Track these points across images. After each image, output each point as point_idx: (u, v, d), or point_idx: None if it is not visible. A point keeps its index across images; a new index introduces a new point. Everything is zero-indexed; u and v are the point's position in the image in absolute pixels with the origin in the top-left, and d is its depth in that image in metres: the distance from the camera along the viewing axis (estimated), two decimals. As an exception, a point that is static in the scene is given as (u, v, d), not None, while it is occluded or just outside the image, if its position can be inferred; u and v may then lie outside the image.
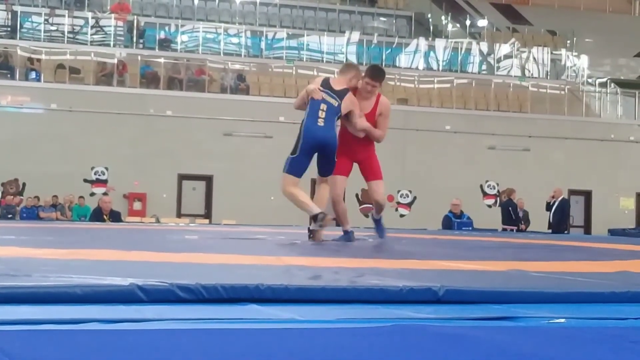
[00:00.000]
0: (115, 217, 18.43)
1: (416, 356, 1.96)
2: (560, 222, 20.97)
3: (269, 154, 25.26)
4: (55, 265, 3.82)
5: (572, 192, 27.78)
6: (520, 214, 21.72)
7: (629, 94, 30.45)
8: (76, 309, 2.62)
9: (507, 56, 30.34)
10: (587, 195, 28.51)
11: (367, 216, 16.05)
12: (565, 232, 21.38)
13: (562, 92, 29.31)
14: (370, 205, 8.67)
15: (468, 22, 32.63)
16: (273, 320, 2.58)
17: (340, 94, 7.90)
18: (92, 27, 27.24)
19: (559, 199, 21.03)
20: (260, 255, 5.59)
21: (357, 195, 23.29)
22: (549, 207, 21.14)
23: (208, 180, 25.58)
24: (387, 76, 30.45)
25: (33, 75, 25.69)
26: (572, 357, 2.00)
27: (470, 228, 19.87)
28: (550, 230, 20.51)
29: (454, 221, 20.20)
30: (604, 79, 31.27)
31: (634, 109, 30.10)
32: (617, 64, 34.66)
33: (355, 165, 8.24)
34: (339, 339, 2.20)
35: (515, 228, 21.07)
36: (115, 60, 26.30)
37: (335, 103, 7.83)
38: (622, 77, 33.46)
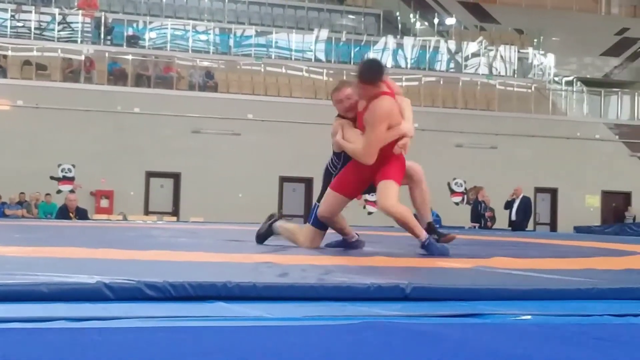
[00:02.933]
0: (81, 214, 18.31)
1: (384, 353, 1.97)
2: (523, 220, 21.13)
3: (237, 151, 25.25)
4: (21, 263, 3.79)
5: (539, 190, 27.98)
6: (487, 212, 21.84)
7: (595, 93, 30.70)
8: (42, 307, 2.61)
9: (475, 54, 30.48)
10: (553, 192, 28.72)
11: None
12: (527, 230, 21.54)
13: (529, 91, 29.49)
14: None
15: (436, 21, 32.74)
16: (241, 317, 2.58)
17: None
18: (59, 23, 27.04)
19: (520, 197, 21.18)
20: (229, 253, 5.59)
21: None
22: (508, 205, 21.30)
23: (176, 177, 25.49)
24: (355, 74, 30.19)
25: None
26: (538, 354, 2.02)
27: (438, 226, 19.93)
28: (510, 228, 20.64)
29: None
30: (571, 78, 31.51)
31: (599, 108, 30.36)
32: (583, 63, 34.92)
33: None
34: (306, 336, 2.20)
35: (478, 225, 21.19)
36: (82, 57, 26.11)
37: None
38: (588, 76, 33.73)
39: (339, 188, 6.42)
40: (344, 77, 28.42)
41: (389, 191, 6.47)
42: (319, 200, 6.55)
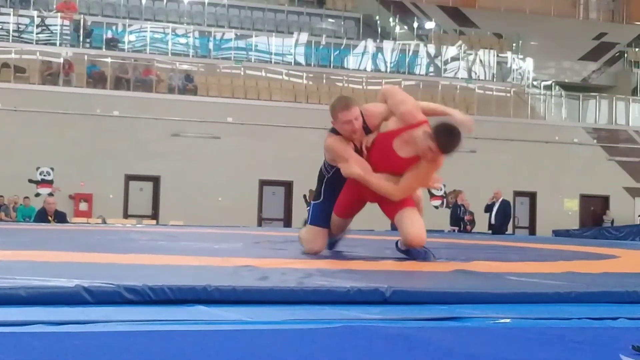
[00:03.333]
0: (60, 218, 18.21)
1: (363, 357, 1.97)
2: (502, 224, 21.20)
3: (217, 154, 25.20)
4: (-1, 267, 3.77)
5: (518, 194, 28.08)
6: (467, 215, 21.90)
7: (574, 97, 30.86)
8: (21, 310, 2.59)
9: (454, 58, 30.57)
10: (532, 196, 28.83)
11: None
12: (507, 233, 21.61)
13: (508, 95, 29.60)
14: None
15: (416, 25, 32.81)
16: (221, 321, 2.58)
17: None
18: (38, 25, 26.92)
19: (499, 200, 21.25)
20: (208, 257, 5.57)
21: (304, 196, 23.29)
22: (488, 208, 21.37)
23: (155, 181, 25.41)
24: (335, 77, 30.19)
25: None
26: (517, 357, 2.03)
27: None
28: (490, 232, 20.71)
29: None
30: (549, 82, 31.65)
31: (578, 112, 30.51)
32: (561, 67, 35.09)
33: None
34: (286, 340, 2.20)
35: (457, 229, 21.25)
36: (61, 60, 26.00)
37: None
38: (566, 80, 33.90)
39: (338, 211, 6.21)
40: (324, 81, 28.48)
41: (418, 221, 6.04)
42: (315, 199, 6.35)
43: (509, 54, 31.60)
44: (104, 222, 22.45)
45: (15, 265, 4.13)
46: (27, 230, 11.89)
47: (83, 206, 24.48)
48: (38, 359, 1.81)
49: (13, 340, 2.04)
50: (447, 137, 5.70)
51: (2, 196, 23.18)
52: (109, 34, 27.80)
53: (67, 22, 27.16)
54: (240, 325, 2.52)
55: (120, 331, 2.29)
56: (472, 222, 21.48)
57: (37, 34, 26.72)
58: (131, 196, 25.38)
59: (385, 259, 5.99)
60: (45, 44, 26.65)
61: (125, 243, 7.65)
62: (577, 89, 32.47)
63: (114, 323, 2.42)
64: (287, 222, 25.37)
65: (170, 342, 2.10)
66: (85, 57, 26.39)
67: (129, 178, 25.32)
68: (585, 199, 29.43)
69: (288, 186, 25.36)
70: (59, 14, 27.19)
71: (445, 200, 27.00)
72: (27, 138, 23.98)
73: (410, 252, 5.90)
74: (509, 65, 31.30)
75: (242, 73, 27.44)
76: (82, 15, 27.62)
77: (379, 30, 32.05)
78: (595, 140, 29.73)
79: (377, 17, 32.56)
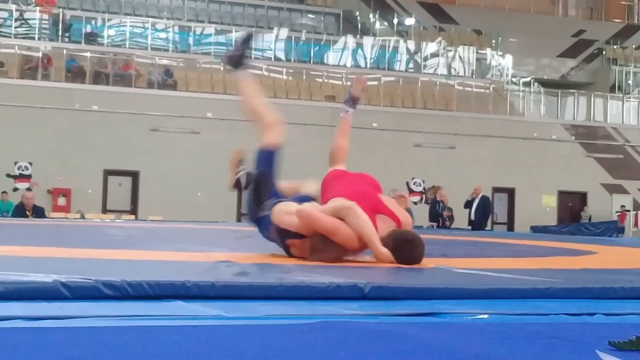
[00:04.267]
0: (38, 212, 18.13)
1: (342, 352, 1.98)
2: (482, 220, 21.27)
3: (197, 150, 25.15)
4: (-24, 262, 3.75)
5: (496, 190, 28.18)
6: (446, 211, 21.95)
7: (552, 94, 30.99)
8: (-2, 306, 2.59)
9: (434, 55, 30.62)
10: (511, 192, 28.95)
11: None
12: (486, 229, 21.69)
13: (487, 91, 29.70)
14: None
15: (395, 21, 32.85)
16: (199, 316, 2.58)
17: None
18: (17, 19, 26.74)
19: (479, 196, 21.31)
20: (187, 252, 5.57)
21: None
22: (468, 204, 21.42)
23: (134, 175, 25.33)
24: (315, 73, 30.22)
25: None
26: (495, 353, 2.04)
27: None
28: (470, 227, 20.78)
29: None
30: (528, 79, 31.77)
31: (556, 109, 30.64)
32: (540, 64, 35.21)
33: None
34: (265, 335, 2.21)
35: (436, 224, 21.29)
36: (40, 54, 25.86)
37: None
38: (545, 77, 34.03)
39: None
40: (304, 77, 28.47)
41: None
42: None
43: (488, 51, 31.69)
44: (83, 217, 22.35)
45: (-7, 260, 4.11)
46: (5, 225, 11.83)
47: (61, 201, 24.37)
48: (15, 354, 1.80)
49: (-10, 335, 2.03)
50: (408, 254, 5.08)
51: (-21, 191, 23.03)
52: (88, 29, 27.66)
53: (46, 16, 27.00)
54: (219, 320, 2.52)
55: (99, 326, 2.28)
56: (451, 218, 21.52)
57: (15, 27, 26.55)
58: (110, 191, 25.28)
59: (364, 254, 5.99)
60: (24, 37, 26.50)
61: (104, 238, 7.62)
62: (555, 85, 32.60)
63: (92, 318, 2.41)
64: (267, 217, 25.33)
65: (149, 337, 2.09)
66: (64, 51, 26.26)
67: (108, 173, 25.23)
68: (563, 195, 29.58)
69: (267, 182, 25.35)
70: (37, 8, 27.03)
71: (424, 196, 27.05)
72: (5, 132, 23.84)
73: None
74: (488, 61, 31.39)
75: (222, 68, 27.34)
76: (61, 10, 27.47)
77: (359, 26, 32.07)
78: (573, 137, 29.87)
79: (357, 13, 32.57)
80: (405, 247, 4.99)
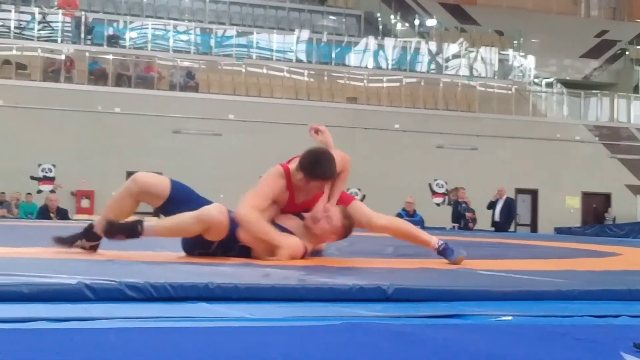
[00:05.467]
0: (62, 214, 18.24)
1: (365, 354, 1.97)
2: (506, 221, 21.19)
3: (218, 151, 25.22)
4: (1, 264, 3.77)
5: (519, 191, 28.08)
6: (468, 212, 21.90)
7: (575, 94, 30.85)
8: (23, 307, 2.59)
9: (456, 56, 30.56)
10: (534, 194, 28.83)
11: None
12: (509, 230, 21.60)
13: (509, 92, 29.60)
14: None
15: (417, 22, 32.82)
16: (223, 318, 2.58)
17: None
18: (39, 22, 26.93)
19: (504, 198, 21.23)
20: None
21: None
22: (491, 205, 21.34)
23: (157, 177, 25.39)
24: (336, 74, 30.24)
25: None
26: (519, 355, 2.03)
27: (420, 226, 19.98)
28: (493, 229, 20.70)
29: (405, 219, 20.29)
30: (551, 79, 31.65)
31: (579, 109, 30.50)
32: (563, 65, 35.08)
33: None
34: (288, 337, 2.20)
35: (458, 226, 21.23)
36: (62, 57, 26.01)
37: None
38: (568, 78, 33.91)
39: None
40: (325, 78, 28.49)
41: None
42: None
43: (510, 52, 31.60)
44: (106, 219, 22.42)
45: (18, 262, 4.13)
46: (30, 226, 11.90)
47: (85, 203, 24.49)
48: (40, 356, 1.81)
49: (15, 337, 2.04)
50: (312, 164, 5.38)
51: (4, 193, 23.18)
52: (110, 31, 27.81)
53: (68, 19, 27.16)
54: (242, 322, 2.52)
55: (122, 328, 2.29)
56: (474, 220, 21.47)
57: (38, 30, 26.74)
58: (133, 193, 25.36)
59: (387, 256, 5.99)
60: (47, 40, 26.68)
61: (127, 240, 7.63)
62: (578, 86, 32.47)
63: (115, 320, 2.42)
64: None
65: (172, 338, 2.10)
66: (87, 53, 26.41)
67: (131, 175, 25.23)
68: (587, 197, 29.43)
69: (289, 183, 25.36)
70: (60, 11, 27.20)
71: (446, 197, 27.00)
72: (28, 135, 23.99)
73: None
74: (510, 62, 31.30)
75: (243, 70, 27.44)
76: (83, 12, 27.63)
77: (380, 27, 32.05)
78: (597, 138, 29.73)
79: (379, 14, 32.55)
80: (313, 160, 5.33)
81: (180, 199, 5.38)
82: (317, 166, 5.31)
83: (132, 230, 4.99)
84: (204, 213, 5.09)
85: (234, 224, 5.24)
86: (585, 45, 35.07)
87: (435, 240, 5.57)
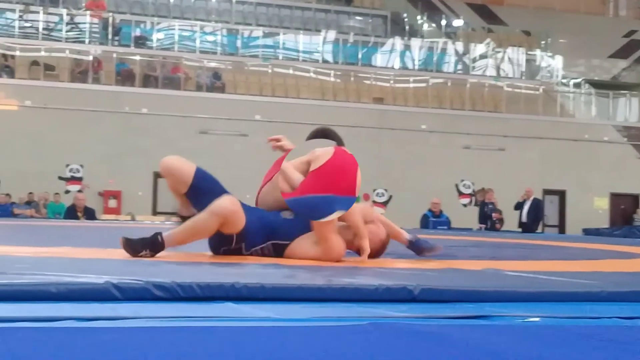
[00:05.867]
0: (89, 214, 18.34)
1: (391, 354, 1.97)
2: (533, 222, 21.08)
3: (245, 152, 25.25)
4: (29, 263, 3.80)
5: (547, 192, 27.94)
6: (495, 213, 21.81)
7: (603, 95, 30.66)
8: (51, 306, 2.61)
9: (483, 56, 30.46)
10: (562, 195, 28.68)
11: None
12: (537, 231, 21.49)
13: (537, 92, 29.46)
14: None
15: (444, 22, 32.73)
16: (249, 318, 2.58)
17: None
18: (67, 23, 27.10)
19: (531, 198, 21.13)
20: (237, 254, 5.57)
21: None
22: (518, 206, 21.23)
23: (183, 178, 25.48)
24: (362, 75, 30.23)
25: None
26: (546, 355, 2.02)
27: (446, 227, 19.94)
28: (520, 229, 20.61)
29: (431, 220, 20.26)
30: (578, 80, 31.47)
31: (607, 110, 30.31)
32: (591, 65, 34.87)
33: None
34: (314, 337, 2.21)
35: (485, 226, 21.15)
36: (90, 58, 26.18)
37: None
38: (596, 78, 33.69)
39: None
40: (351, 78, 28.48)
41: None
42: None
43: (537, 52, 31.45)
44: (133, 219, 22.58)
45: (46, 261, 4.16)
46: (58, 226, 11.98)
47: (112, 203, 24.63)
48: (68, 354, 1.82)
49: (43, 335, 2.05)
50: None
51: (32, 193, 23.36)
52: (138, 32, 27.94)
53: (96, 20, 27.32)
54: (268, 322, 2.53)
55: (149, 327, 2.30)
56: (501, 220, 21.38)
57: (66, 32, 26.90)
58: (160, 193, 25.48)
59: (414, 256, 5.98)
60: (75, 41, 26.84)
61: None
62: (606, 86, 32.26)
63: (142, 319, 2.43)
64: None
65: (198, 338, 2.10)
66: (114, 54, 26.56)
67: (158, 175, 25.42)
68: (615, 198, 29.24)
69: (315, 184, 25.36)
70: (88, 12, 27.37)
71: (473, 198, 26.92)
72: (56, 135, 24.17)
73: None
74: (537, 62, 31.16)
75: (269, 71, 27.48)
76: (110, 13, 27.78)
77: (407, 27, 31.99)
78: (625, 139, 29.53)
79: (405, 15, 32.49)
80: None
81: (203, 188, 5.39)
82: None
83: (154, 243, 5.00)
84: (216, 205, 5.10)
85: (251, 215, 5.23)
86: (614, 45, 34.84)
87: (406, 234, 5.90)
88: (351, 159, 5.36)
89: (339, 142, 5.82)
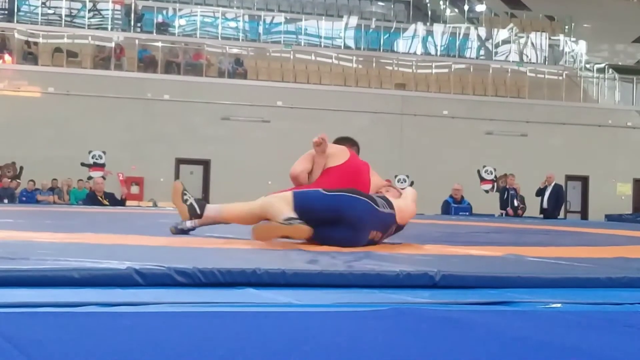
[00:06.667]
0: (111, 198, 18.40)
1: (412, 339, 1.97)
2: (555, 208, 20.95)
3: (267, 138, 25.28)
4: (52, 249, 3.82)
5: (569, 178, 27.79)
6: (517, 200, 21.71)
7: (627, 80, 30.43)
8: (73, 292, 2.63)
9: (505, 41, 30.29)
10: (584, 180, 28.52)
11: None
12: (559, 217, 21.37)
13: (560, 78, 29.28)
14: None
15: (466, 7, 32.57)
16: (270, 304, 2.59)
17: None
18: (90, 10, 27.18)
19: (552, 184, 21.01)
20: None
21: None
22: (540, 192, 21.11)
23: (205, 164, 25.57)
24: (384, 61, 30.13)
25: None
26: (568, 341, 2.01)
27: (468, 213, 19.88)
28: (542, 216, 20.49)
29: (452, 206, 20.20)
30: (602, 65, 31.24)
31: (631, 95, 30.08)
32: (614, 50, 34.62)
33: None
34: (335, 322, 2.21)
35: (504, 212, 21.05)
36: (112, 44, 26.25)
37: None
38: (620, 63, 33.44)
39: None
40: (374, 65, 28.41)
41: None
42: None
43: (561, 37, 31.24)
44: (155, 205, 22.66)
45: (69, 247, 4.19)
46: (81, 212, 12.04)
47: (134, 189, 24.72)
48: (91, 339, 1.83)
49: (66, 320, 2.06)
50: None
51: (55, 179, 23.48)
52: (160, 19, 27.98)
53: (118, 7, 27.40)
54: (289, 307, 2.53)
55: (171, 312, 2.31)
56: (523, 207, 21.28)
57: (89, 18, 26.99)
58: (182, 179, 25.49)
59: (435, 242, 5.97)
60: (97, 28, 26.92)
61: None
62: (630, 71, 32.00)
63: (164, 305, 2.44)
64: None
65: (220, 323, 2.11)
66: (136, 41, 26.62)
67: (180, 162, 25.51)
68: (638, 183, 29.05)
69: (337, 170, 25.35)
70: (110, -1, 27.44)
71: (495, 184, 26.83)
72: (79, 122, 24.27)
73: None
74: (561, 48, 30.95)
75: (291, 57, 27.46)
76: (133, 0, 27.82)
77: (429, 13, 31.86)
78: (649, 124, 29.32)
79: (427, 0, 32.36)
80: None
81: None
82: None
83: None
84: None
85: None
86: (638, 30, 34.55)
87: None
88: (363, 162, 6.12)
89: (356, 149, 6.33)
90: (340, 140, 6.50)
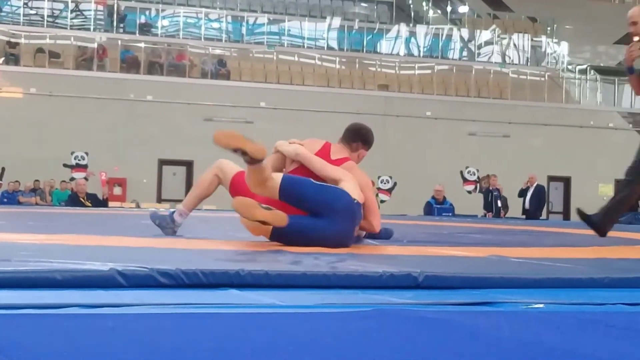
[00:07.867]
0: (93, 199, 18.35)
1: (395, 340, 1.97)
2: (537, 209, 21.04)
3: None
4: (34, 250, 3.81)
5: (552, 179, 27.90)
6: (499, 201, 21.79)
7: (609, 81, 30.58)
8: (56, 293, 2.62)
9: (488, 43, 30.40)
10: (567, 181, 28.65)
11: None
12: (541, 218, 21.46)
13: (542, 79, 29.40)
14: None
15: (449, 9, 32.66)
16: (254, 305, 2.59)
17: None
18: (72, 11, 27.10)
19: (534, 185, 21.10)
20: (241, 241, 5.60)
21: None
22: (522, 193, 21.20)
23: (188, 165, 25.52)
24: (367, 62, 30.22)
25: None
26: (550, 341, 2.02)
27: (451, 214, 19.93)
28: (524, 216, 20.58)
29: (435, 207, 20.25)
30: (584, 66, 31.40)
31: (613, 96, 30.24)
32: (596, 51, 34.79)
33: None
34: (319, 323, 2.21)
35: (490, 213, 21.12)
36: (95, 45, 26.17)
37: None
38: (601, 64, 33.60)
39: None
40: (357, 66, 28.44)
41: None
42: None
43: (543, 38, 31.38)
44: (138, 206, 22.60)
45: (51, 248, 4.17)
46: (63, 214, 12.00)
47: (117, 190, 24.66)
48: (73, 341, 1.83)
49: (48, 322, 2.06)
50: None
51: (38, 180, 23.39)
52: (143, 19, 27.94)
53: (101, 7, 27.34)
54: (273, 309, 2.53)
55: (154, 314, 2.30)
56: (505, 207, 21.36)
57: (71, 19, 26.91)
58: (165, 181, 25.52)
59: (418, 243, 5.98)
60: (80, 29, 26.85)
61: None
62: (612, 73, 32.15)
63: (147, 306, 2.43)
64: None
65: (203, 324, 2.11)
66: (119, 42, 26.55)
67: (163, 162, 25.46)
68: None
69: (320, 171, 25.37)
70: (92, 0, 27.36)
71: (477, 185, 26.91)
72: (61, 123, 24.19)
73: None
74: (543, 49, 31.09)
75: (274, 58, 27.46)
76: (115, 1, 27.77)
77: (412, 14, 31.94)
78: (630, 125, 29.46)
79: (410, 1, 32.45)
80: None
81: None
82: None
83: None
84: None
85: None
86: (619, 31, 34.65)
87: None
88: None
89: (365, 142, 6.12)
90: (351, 135, 6.22)
